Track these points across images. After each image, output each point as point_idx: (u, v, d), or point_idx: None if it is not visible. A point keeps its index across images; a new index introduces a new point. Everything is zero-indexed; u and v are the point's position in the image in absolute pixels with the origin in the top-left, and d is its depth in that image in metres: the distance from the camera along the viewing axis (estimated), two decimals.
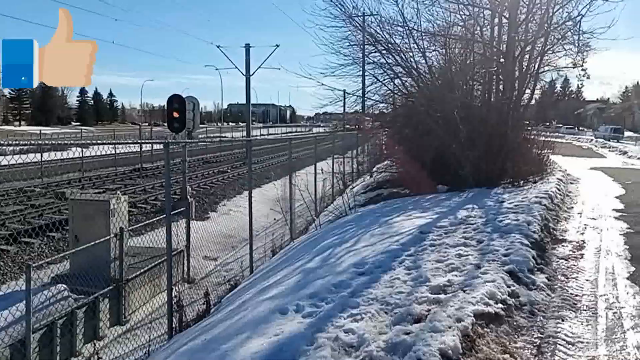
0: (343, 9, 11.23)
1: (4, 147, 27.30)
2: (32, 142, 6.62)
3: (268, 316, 4.10)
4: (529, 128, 13.32)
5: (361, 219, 8.68)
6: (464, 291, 3.89)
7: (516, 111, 11.96)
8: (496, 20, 12.40)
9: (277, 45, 32.91)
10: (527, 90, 12.42)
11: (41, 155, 20.67)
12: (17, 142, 4.78)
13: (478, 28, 13.05)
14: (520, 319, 3.65)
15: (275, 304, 4.40)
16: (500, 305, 3.67)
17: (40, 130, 42.18)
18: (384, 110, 17.35)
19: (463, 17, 13.06)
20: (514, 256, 4.73)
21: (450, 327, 3.22)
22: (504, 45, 12.14)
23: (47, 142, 11.10)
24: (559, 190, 9.81)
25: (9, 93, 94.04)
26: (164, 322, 6.53)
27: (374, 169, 18.96)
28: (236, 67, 32.90)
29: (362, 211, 9.99)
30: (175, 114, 14.28)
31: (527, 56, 12.10)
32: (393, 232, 6.46)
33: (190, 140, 13.01)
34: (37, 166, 20.65)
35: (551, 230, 6.52)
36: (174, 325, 5.83)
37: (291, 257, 7.20)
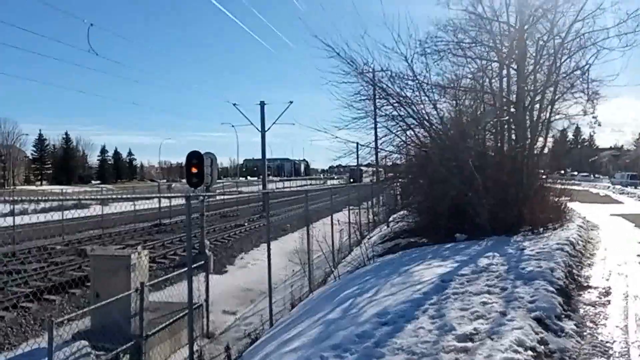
0: (354, 66, 11.62)
1: (26, 207, 27.93)
2: (54, 199, 6.82)
3: None
4: (544, 176, 13.32)
5: (380, 269, 8.64)
6: (492, 339, 3.85)
7: (530, 159, 12.03)
8: (504, 71, 12.70)
9: (291, 102, 33.93)
10: (540, 139, 12.53)
11: (62, 214, 21.07)
12: (38, 199, 4.95)
13: (487, 79, 13.37)
14: None
15: (299, 355, 4.38)
16: (529, 352, 3.62)
17: (62, 190, 43.11)
18: (397, 162, 17.54)
19: (472, 69, 13.43)
20: (540, 303, 4.67)
21: None
22: (514, 96, 12.38)
23: (68, 198, 11.37)
24: (580, 236, 9.70)
25: (32, 154, 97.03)
26: None
27: (390, 219, 18.94)
28: (251, 124, 33.80)
29: (381, 261, 9.94)
30: (194, 169, 14.63)
31: (537, 105, 12.30)
32: (414, 281, 6.42)
33: (211, 193, 13.23)
34: (58, 224, 20.99)
35: (575, 276, 6.43)
36: None
37: (312, 309, 7.15)
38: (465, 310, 4.75)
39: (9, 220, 17.96)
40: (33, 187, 75.25)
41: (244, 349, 7.40)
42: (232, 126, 51.23)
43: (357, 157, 22.41)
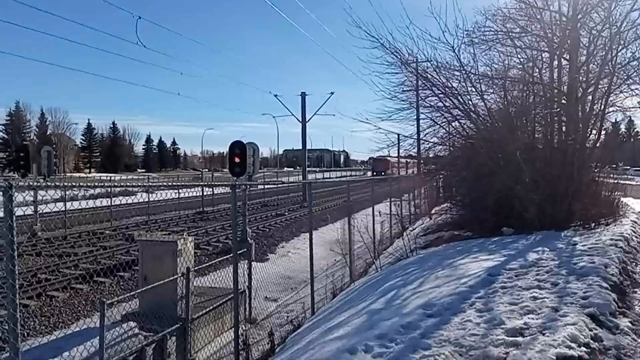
0: (399, 56, 11.47)
1: (75, 192, 29.11)
2: (106, 185, 7.06)
3: (336, 356, 4.08)
4: (596, 170, 12.81)
5: (423, 261, 8.55)
6: (543, 334, 3.74)
7: (581, 152, 11.59)
8: (555, 62, 12.24)
9: (332, 93, 34.01)
10: (593, 132, 12.04)
11: (111, 200, 21.84)
12: (87, 185, 5.10)
13: (537, 70, 12.92)
14: None
15: (343, 343, 4.38)
16: (583, 348, 3.50)
17: (110, 177, 44.65)
18: (440, 154, 17.27)
19: (521, 60, 13.00)
20: (594, 299, 4.51)
21: None
22: (565, 87, 11.92)
23: (121, 185, 11.77)
24: (634, 232, 9.30)
25: (81, 142, 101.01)
26: None
27: (432, 211, 18.69)
28: (292, 115, 33.99)
29: (424, 253, 9.84)
30: (237, 159, 14.84)
31: (590, 97, 11.80)
32: (459, 274, 6.31)
33: (253, 182, 13.40)
34: (106, 210, 21.79)
35: (630, 273, 6.16)
36: None
37: (354, 298, 7.16)
38: (515, 304, 4.64)
39: (59, 205, 18.74)
40: (82, 175, 78.38)
41: (286, 335, 7.49)
42: (273, 117, 51.72)
43: (398, 149, 22.22)
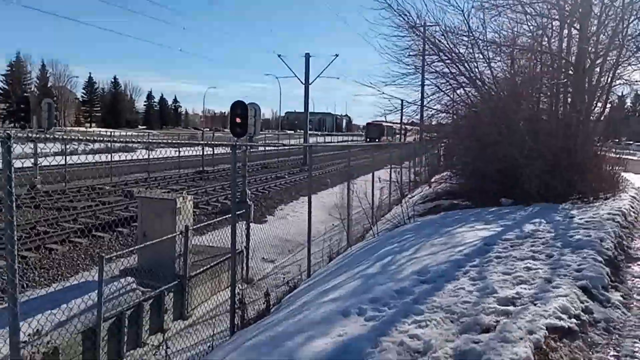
0: (406, 18, 11.21)
1: (75, 147, 29.05)
2: (103, 140, 7.01)
3: (330, 317, 4.14)
4: (599, 144, 12.73)
5: (420, 228, 8.59)
6: (535, 304, 3.78)
7: (585, 125, 11.49)
8: (565, 31, 11.97)
9: (337, 55, 33.32)
10: (598, 104, 11.90)
11: (111, 156, 21.81)
12: (87, 139, 5.05)
13: (546, 39, 12.65)
14: (595, 335, 3.50)
15: (337, 305, 4.44)
16: (574, 320, 3.54)
17: (111, 132, 44.50)
18: (442, 122, 17.11)
19: (530, 27, 12.69)
20: (587, 272, 4.54)
21: (521, 339, 3.15)
22: (573, 57, 11.70)
23: (116, 140, 11.72)
24: (632, 207, 9.31)
25: (82, 96, 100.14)
26: (225, 319, 6.73)
27: (432, 179, 18.69)
28: (295, 76, 33.55)
29: (422, 221, 9.89)
30: (238, 120, 14.73)
31: (597, 69, 11.61)
32: (455, 242, 6.36)
33: (253, 143, 13.34)
34: (106, 166, 21.78)
35: (625, 248, 6.20)
36: (236, 322, 5.99)
37: (350, 263, 7.23)
38: (508, 274, 4.68)
39: (59, 159, 18.71)
40: (82, 129, 78.05)
41: (282, 296, 7.60)
42: (276, 78, 51.21)
43: (401, 115, 22.05)
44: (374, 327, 3.77)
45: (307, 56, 32.74)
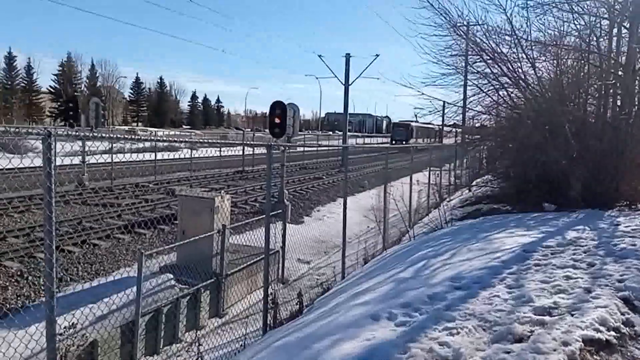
0: (448, 18, 10.99)
1: (123, 146, 30.04)
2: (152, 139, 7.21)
3: (360, 321, 4.12)
4: None
5: (458, 233, 8.43)
6: (572, 315, 3.64)
7: (635, 128, 10.96)
8: (615, 30, 11.46)
9: (377, 55, 33.08)
10: None
11: (155, 155, 22.42)
12: (135, 137, 5.18)
13: (594, 38, 12.13)
14: (636, 350, 3.33)
15: (367, 309, 4.41)
16: (612, 333, 3.38)
17: (155, 131, 45.76)
18: (485, 123, 16.71)
19: (578, 26, 12.20)
20: (630, 282, 4.33)
21: (555, 350, 3.03)
22: (624, 58, 11.19)
23: (163, 140, 12.03)
24: None
25: (129, 96, 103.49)
26: (259, 318, 6.80)
27: (473, 183, 18.31)
28: (335, 77, 33.54)
29: (459, 225, 9.70)
30: (277, 120, 14.85)
31: None
32: (493, 248, 6.20)
33: (290, 144, 13.42)
34: (151, 164, 22.41)
35: None
36: (268, 322, 6.05)
37: (384, 266, 7.17)
38: (547, 283, 4.52)
39: (106, 157, 19.41)
40: (127, 128, 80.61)
41: (315, 297, 7.62)
42: (316, 78, 51.28)
43: (443, 116, 21.69)
44: (403, 333, 3.72)
45: (347, 56, 32.69)
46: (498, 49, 10.86)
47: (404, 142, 49.85)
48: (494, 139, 14.82)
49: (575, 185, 9.81)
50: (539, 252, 5.79)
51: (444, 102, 16.84)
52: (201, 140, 6.39)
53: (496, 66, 10.99)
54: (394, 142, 52.25)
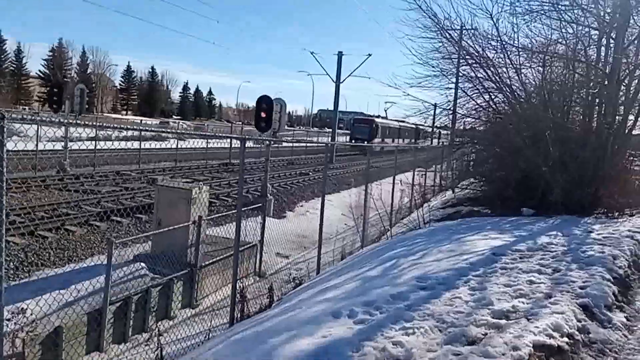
0: (435, 21, 10.98)
1: (109, 133, 29.76)
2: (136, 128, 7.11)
3: (320, 317, 4.10)
4: (631, 157, 12.23)
5: (433, 234, 8.44)
6: (528, 319, 3.64)
7: (617, 137, 11.05)
8: (603, 40, 11.53)
9: (370, 55, 33.00)
10: (631, 117, 11.43)
11: (140, 143, 22.23)
12: (121, 126, 5.08)
13: (582, 47, 12.20)
14: (588, 356, 3.34)
15: (329, 306, 4.40)
16: (565, 339, 3.39)
17: (141, 120, 45.36)
18: (473, 126, 16.76)
19: (565, 35, 12.26)
20: (591, 290, 4.35)
21: (503, 354, 3.03)
22: (609, 67, 11.26)
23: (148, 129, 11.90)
24: None
25: (120, 84, 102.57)
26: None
27: (458, 185, 18.38)
28: (327, 74, 33.45)
29: (436, 226, 9.72)
30: (263, 114, 14.77)
31: (636, 80, 11.14)
32: (464, 250, 6.21)
33: (273, 139, 13.37)
34: (136, 152, 22.24)
35: None
36: (235, 315, 6.01)
37: (356, 264, 7.16)
38: (509, 286, 4.53)
39: (88, 144, 19.21)
40: (118, 116, 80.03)
41: (287, 292, 7.60)
42: (308, 74, 50.95)
43: (434, 117, 21.70)
44: (360, 331, 3.71)
45: (340, 54, 32.66)
46: (484, 53, 10.89)
47: (365, 142, 40.34)
48: (477, 142, 14.87)
49: (555, 191, 9.87)
50: (508, 255, 5.81)
51: (435, 104, 16.86)
52: (168, 131, 6.32)
53: (481, 70, 11.04)
54: (353, 140, 43.12)
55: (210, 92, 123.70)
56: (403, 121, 52.58)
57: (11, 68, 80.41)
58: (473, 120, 14.12)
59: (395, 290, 4.64)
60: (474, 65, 11.10)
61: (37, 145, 15.83)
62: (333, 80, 33.08)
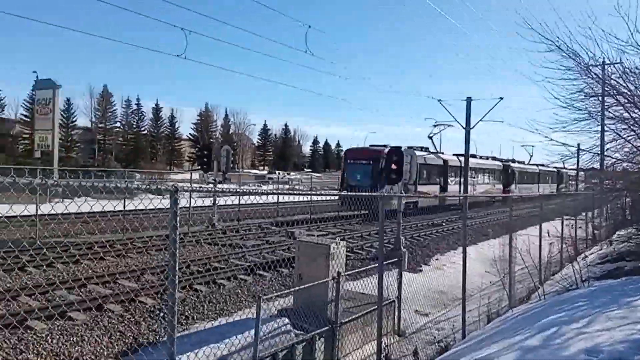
0: (578, 60, 10.21)
1: (249, 189, 31.96)
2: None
3: None
4: None
5: (595, 295, 7.56)
6: None
7: None
8: None
9: (501, 98, 31.63)
10: None
11: (277, 197, 23.51)
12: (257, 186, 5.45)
13: None
14: None
15: None
16: None
17: (278, 174, 48.09)
18: (629, 169, 15.05)
19: None
20: None
21: None
22: None
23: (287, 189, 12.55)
24: None
25: (257, 141, 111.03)
26: None
27: (614, 236, 16.47)
28: (456, 120, 32.64)
29: (598, 286, 8.70)
30: (394, 166, 14.84)
31: None
32: (637, 317, 5.45)
33: (405, 195, 13.25)
34: (273, 206, 23.56)
35: None
36: None
37: (508, 329, 6.63)
38: None
39: (232, 199, 20.79)
40: (256, 171, 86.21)
41: (432, 355, 7.26)
42: (435, 123, 50.18)
43: (578, 162, 19.99)
44: None
45: (469, 100, 31.82)
46: (637, 91, 9.85)
47: (367, 190, 17.82)
48: (637, 187, 13.28)
49: None
50: None
51: (578, 145, 15.54)
52: (291, 192, 6.57)
53: (636, 110, 9.95)
54: (348, 186, 24.18)
55: (338, 144, 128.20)
56: (542, 165, 49.54)
57: (166, 132, 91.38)
58: (631, 165, 12.68)
59: None
60: (627, 104, 10.06)
61: (189, 203, 17.59)
62: (462, 127, 32.19)
